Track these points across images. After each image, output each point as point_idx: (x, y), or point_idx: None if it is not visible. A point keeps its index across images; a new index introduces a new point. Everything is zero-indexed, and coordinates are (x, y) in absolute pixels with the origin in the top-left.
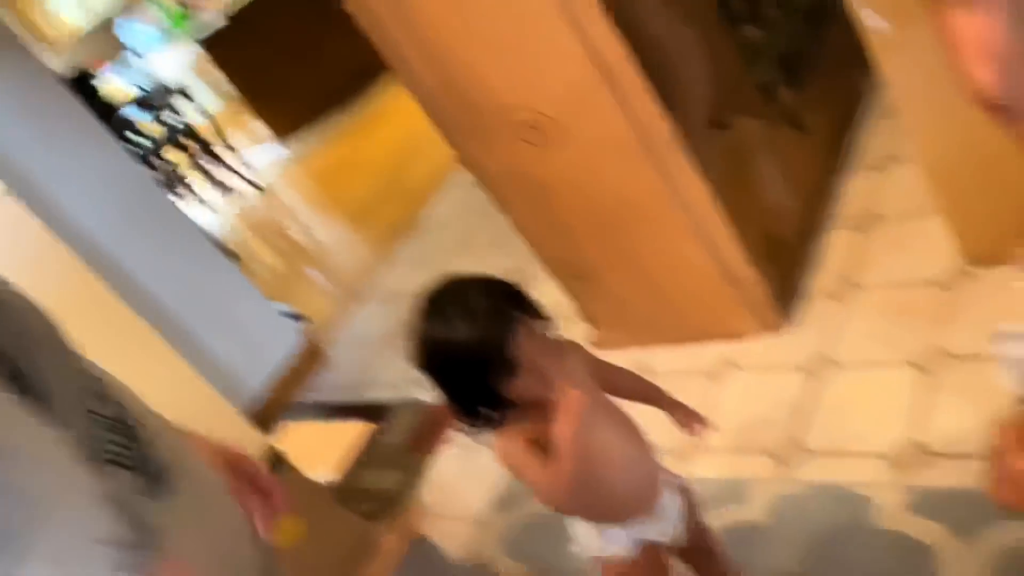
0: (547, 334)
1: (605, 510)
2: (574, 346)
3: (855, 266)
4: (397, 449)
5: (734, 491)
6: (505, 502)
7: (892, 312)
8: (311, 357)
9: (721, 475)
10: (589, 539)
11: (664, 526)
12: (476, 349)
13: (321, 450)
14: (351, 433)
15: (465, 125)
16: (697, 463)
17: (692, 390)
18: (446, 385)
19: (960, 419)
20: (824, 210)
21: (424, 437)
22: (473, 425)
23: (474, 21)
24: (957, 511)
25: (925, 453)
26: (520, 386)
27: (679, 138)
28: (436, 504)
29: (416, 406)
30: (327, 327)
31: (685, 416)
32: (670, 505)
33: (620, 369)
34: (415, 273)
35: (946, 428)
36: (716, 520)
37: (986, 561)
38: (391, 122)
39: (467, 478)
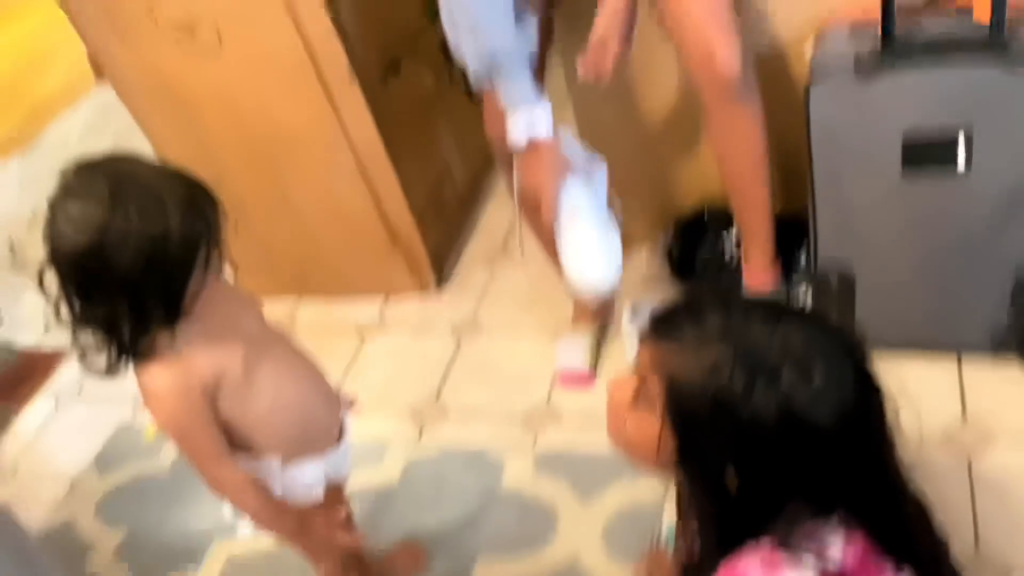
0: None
1: (305, 441)
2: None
3: (511, 235)
4: None
5: (373, 453)
6: (105, 462)
7: (538, 281)
8: None
9: (361, 437)
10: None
11: (346, 460)
12: (166, 245)
13: None
14: None
15: (104, 16)
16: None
17: (339, 348)
18: (103, 291)
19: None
20: (489, 180)
21: (11, 385)
22: (117, 353)
23: None
24: (579, 472)
25: (557, 417)
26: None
27: (354, 69)
28: (24, 463)
29: (4, 349)
30: None
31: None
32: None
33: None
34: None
35: (579, 394)
36: (353, 482)
37: (601, 520)
38: (19, 16)
39: (62, 434)
